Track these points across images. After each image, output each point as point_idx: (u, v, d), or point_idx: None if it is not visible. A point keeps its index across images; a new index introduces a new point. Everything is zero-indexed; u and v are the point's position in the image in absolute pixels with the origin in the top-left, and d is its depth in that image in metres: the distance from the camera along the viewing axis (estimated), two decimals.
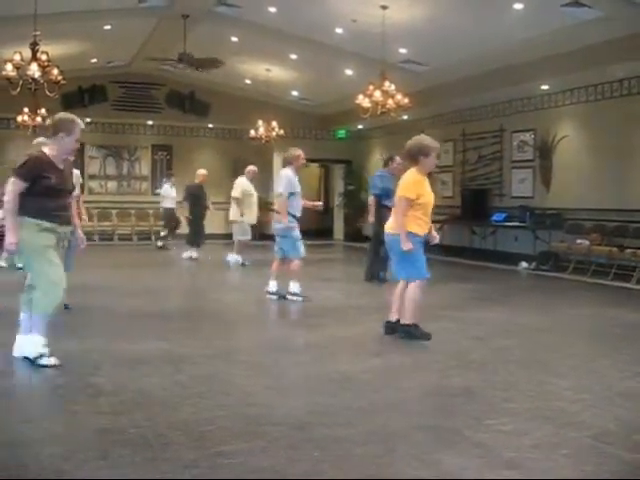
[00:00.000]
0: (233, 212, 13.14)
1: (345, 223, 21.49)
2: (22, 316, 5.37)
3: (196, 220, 14.39)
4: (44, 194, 5.11)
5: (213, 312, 8.19)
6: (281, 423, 3.98)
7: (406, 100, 11.96)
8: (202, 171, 14.68)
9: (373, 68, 12.41)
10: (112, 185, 19.91)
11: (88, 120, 18.85)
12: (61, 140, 5.26)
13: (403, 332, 6.42)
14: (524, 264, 13.04)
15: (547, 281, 11.67)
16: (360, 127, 19.75)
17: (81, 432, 3.80)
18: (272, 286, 8.99)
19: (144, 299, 8.79)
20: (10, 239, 5.04)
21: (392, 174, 10.16)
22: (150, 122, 19.75)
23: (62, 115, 5.44)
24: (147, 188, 20.35)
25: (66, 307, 6.96)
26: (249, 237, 13.35)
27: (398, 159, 10.15)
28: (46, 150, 5.27)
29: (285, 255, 8.93)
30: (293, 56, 15.18)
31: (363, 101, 11.88)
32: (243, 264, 13.13)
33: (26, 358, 5.18)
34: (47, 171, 5.14)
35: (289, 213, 8.73)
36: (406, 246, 6.19)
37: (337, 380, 5.01)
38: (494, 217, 14.11)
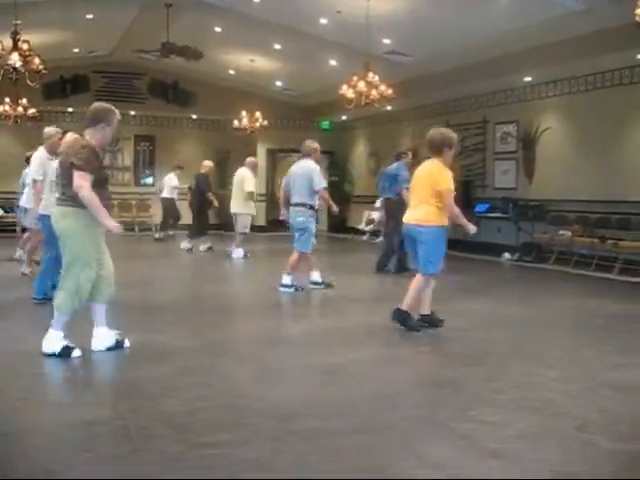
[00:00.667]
0: (242, 205, 13.03)
1: (328, 214, 21.46)
2: (94, 308, 5.37)
3: (202, 211, 14.43)
4: (101, 185, 5.21)
5: (208, 303, 8.12)
6: (267, 415, 3.98)
7: (390, 91, 11.96)
8: (208, 162, 14.79)
9: (357, 59, 12.39)
10: None
11: (70, 110, 18.80)
12: (102, 130, 5.26)
13: (399, 319, 6.43)
14: (507, 255, 13.10)
15: (530, 272, 11.73)
16: (344, 118, 19.73)
17: (66, 424, 3.79)
18: (313, 276, 9.01)
19: (137, 291, 8.66)
20: (113, 222, 5.13)
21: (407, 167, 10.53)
22: (133, 112, 19.58)
23: (102, 105, 5.38)
24: (130, 179, 20.23)
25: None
26: (248, 230, 13.40)
27: (410, 153, 10.87)
28: (88, 138, 5.24)
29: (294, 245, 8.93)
30: (277, 46, 15.11)
31: (347, 92, 11.87)
32: (245, 255, 13.12)
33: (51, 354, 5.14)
34: (101, 161, 5.27)
35: (312, 207, 8.83)
36: (472, 228, 6.40)
37: (324, 372, 5.02)
38: (477, 208, 14.14)
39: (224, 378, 4.83)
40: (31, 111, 15.35)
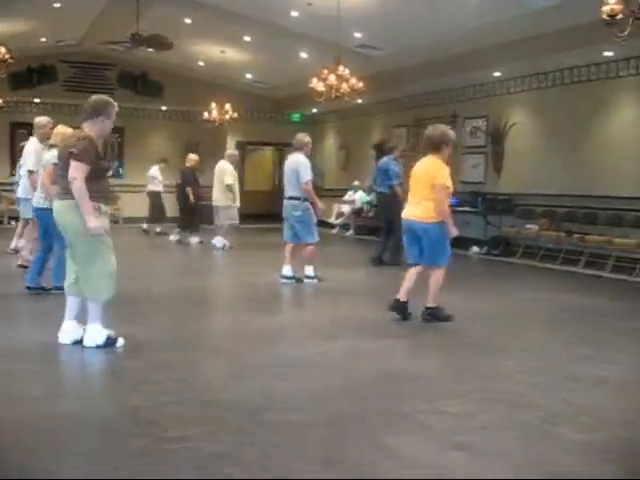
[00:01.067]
0: (223, 198, 13.17)
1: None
2: (70, 301, 5.38)
3: (189, 204, 14.45)
4: (100, 176, 5.21)
5: (183, 297, 8.06)
6: (233, 408, 3.97)
7: (360, 84, 11.98)
8: (193, 156, 14.88)
9: (328, 52, 12.38)
10: None
11: (37, 101, 18.56)
12: (101, 123, 5.28)
13: (430, 315, 6.56)
14: (475, 249, 13.21)
15: (497, 265, 11.84)
16: (314, 111, 19.70)
17: (31, 419, 3.74)
18: (286, 270, 9.05)
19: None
20: (95, 222, 5.03)
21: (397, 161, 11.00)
22: None
23: (101, 98, 5.39)
24: None
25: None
26: (237, 221, 13.52)
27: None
28: (87, 131, 5.25)
29: (299, 240, 9.02)
30: (247, 38, 15.04)
31: (317, 85, 11.86)
32: (231, 247, 13.22)
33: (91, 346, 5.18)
34: (100, 153, 5.22)
35: (307, 199, 8.94)
36: (454, 231, 6.47)
37: (290, 364, 5.02)
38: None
39: (191, 372, 4.80)
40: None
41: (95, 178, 5.10)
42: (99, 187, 5.15)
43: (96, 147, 5.17)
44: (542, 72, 12.67)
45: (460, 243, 13.48)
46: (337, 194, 18.75)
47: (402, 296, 6.64)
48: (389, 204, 11.00)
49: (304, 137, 9.24)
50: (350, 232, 17.61)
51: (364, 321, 6.70)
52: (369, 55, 14.12)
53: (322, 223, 19.27)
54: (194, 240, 14.28)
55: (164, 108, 20.20)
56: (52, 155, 7.01)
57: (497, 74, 13.26)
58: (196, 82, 18.58)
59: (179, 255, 13.36)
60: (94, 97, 5.40)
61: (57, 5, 13.28)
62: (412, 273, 6.70)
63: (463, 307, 7.62)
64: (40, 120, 8.27)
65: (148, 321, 6.47)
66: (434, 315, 6.57)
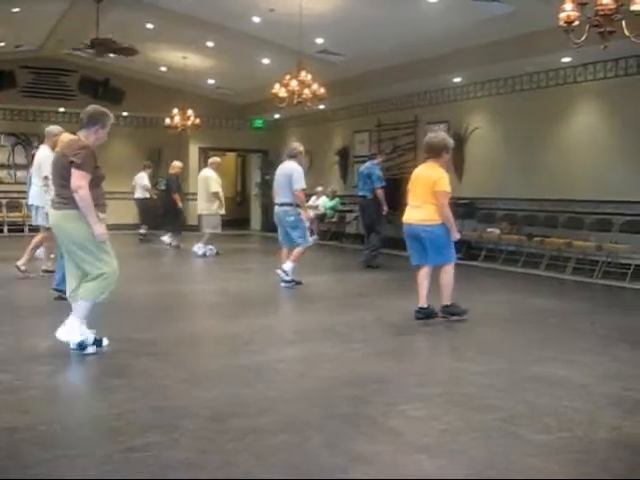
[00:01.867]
0: (208, 205, 13.24)
1: (262, 213, 21.44)
2: (74, 308, 5.41)
3: (172, 210, 14.83)
4: (97, 185, 5.28)
5: (149, 302, 8.01)
6: (195, 415, 3.95)
7: (322, 90, 12.01)
8: (177, 163, 15.31)
9: (290, 57, 12.40)
10: (22, 174, 19.15)
11: None
12: (96, 132, 5.36)
13: (448, 312, 6.81)
14: None
15: (460, 269, 11.76)
16: (277, 117, 19.72)
17: None
18: (286, 275, 9.22)
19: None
20: (101, 229, 5.17)
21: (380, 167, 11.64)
22: (62, 109, 19.12)
23: (98, 108, 5.48)
24: None
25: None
26: (219, 230, 13.51)
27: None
28: (82, 138, 5.34)
29: (292, 244, 9.34)
30: (210, 44, 14.98)
31: (279, 90, 11.87)
32: (218, 253, 13.20)
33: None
34: (96, 161, 5.28)
35: (299, 205, 9.28)
36: (457, 236, 6.82)
37: (252, 370, 5.01)
38: None
39: (153, 379, 4.76)
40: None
41: (93, 186, 5.18)
42: (96, 195, 5.22)
43: (94, 156, 5.26)
44: (502, 78, 12.84)
45: None
46: None
47: (422, 303, 6.83)
48: (371, 207, 11.50)
49: (298, 146, 9.55)
50: (314, 237, 17.59)
51: (327, 326, 6.71)
52: (331, 61, 14.17)
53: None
54: (167, 240, 14.55)
55: (125, 114, 20.00)
56: None
57: (457, 80, 13.40)
58: (158, 88, 18.47)
59: (156, 261, 13.25)
60: (92, 106, 5.51)
61: (16, 10, 13.09)
62: (422, 276, 6.90)
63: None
64: (52, 129, 8.58)
65: (112, 326, 6.38)
66: (452, 312, 6.82)
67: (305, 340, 6.12)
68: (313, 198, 17.98)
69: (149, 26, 14.23)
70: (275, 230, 19.28)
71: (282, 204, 9.33)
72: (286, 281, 9.11)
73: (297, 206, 9.26)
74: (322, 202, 17.54)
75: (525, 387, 4.64)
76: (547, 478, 3.21)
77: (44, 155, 8.49)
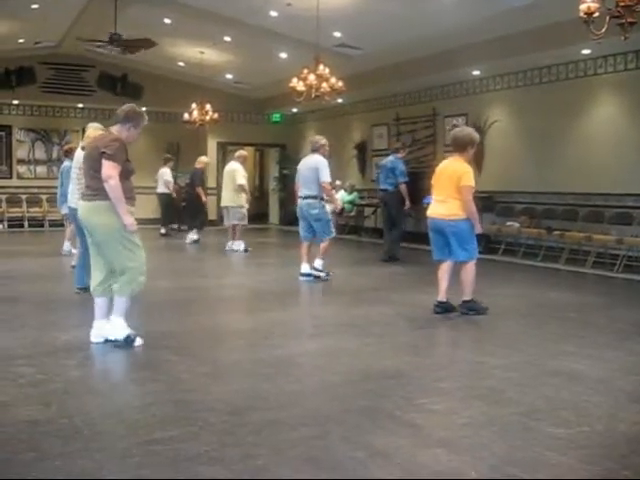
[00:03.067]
0: (235, 198, 13.20)
1: (280, 207, 21.47)
2: (98, 302, 5.54)
3: (196, 205, 14.77)
4: (127, 177, 5.37)
5: (164, 296, 8.01)
6: (215, 409, 3.97)
7: (340, 84, 11.98)
8: (204, 158, 15.41)
9: (308, 51, 12.38)
10: (41, 170, 19.35)
11: (16, 102, 18.44)
12: (128, 130, 5.49)
13: (467, 308, 6.80)
14: None
15: (479, 263, 11.72)
16: (295, 111, 19.72)
17: (10, 423, 3.72)
18: (305, 268, 9.32)
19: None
20: (131, 219, 5.25)
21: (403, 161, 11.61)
22: (81, 105, 19.25)
23: (134, 108, 5.62)
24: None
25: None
26: (246, 222, 13.55)
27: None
28: (116, 134, 5.44)
29: (315, 237, 9.40)
30: (227, 39, 15.00)
31: (297, 84, 11.86)
32: (246, 250, 13.06)
33: (111, 340, 5.40)
34: (127, 155, 5.39)
35: (322, 198, 9.29)
36: (479, 229, 6.84)
37: (271, 364, 5.02)
38: (427, 200, 14.26)
39: (173, 373, 4.79)
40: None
41: (123, 179, 5.26)
42: (125, 187, 5.29)
43: (126, 149, 5.37)
44: (521, 70, 12.75)
45: None
46: None
47: (442, 297, 6.86)
48: (393, 201, 11.48)
49: (321, 139, 9.52)
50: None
51: (345, 320, 6.72)
52: (349, 54, 14.14)
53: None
54: (194, 237, 14.45)
55: (144, 109, 20.01)
56: (81, 155, 7.21)
57: (476, 72, 13.33)
58: (176, 83, 18.53)
59: (175, 255, 13.31)
60: (128, 106, 5.63)
61: (35, 6, 13.18)
62: (443, 271, 6.93)
63: None
64: (93, 126, 8.37)
65: (132, 320, 6.43)
66: (471, 308, 6.81)
67: (324, 334, 6.13)
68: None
69: (167, 21, 14.28)
70: (293, 224, 19.42)
71: (306, 197, 9.30)
72: (317, 273, 9.25)
73: (321, 199, 9.26)
74: (340, 196, 17.51)
75: (544, 381, 4.62)
76: (567, 473, 3.20)
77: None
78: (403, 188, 11.31)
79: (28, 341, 5.56)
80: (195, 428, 3.65)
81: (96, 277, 5.52)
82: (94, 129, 7.66)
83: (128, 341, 5.35)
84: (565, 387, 4.49)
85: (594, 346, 5.68)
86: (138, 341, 5.40)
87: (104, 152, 5.18)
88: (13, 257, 11.78)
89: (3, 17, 13.68)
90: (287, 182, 20.71)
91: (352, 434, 3.60)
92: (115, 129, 5.49)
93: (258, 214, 21.59)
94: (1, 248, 13.47)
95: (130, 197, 5.37)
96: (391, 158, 11.63)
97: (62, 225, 17.18)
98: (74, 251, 10.62)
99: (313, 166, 9.21)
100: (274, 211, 21.91)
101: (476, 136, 7.04)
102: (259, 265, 11.68)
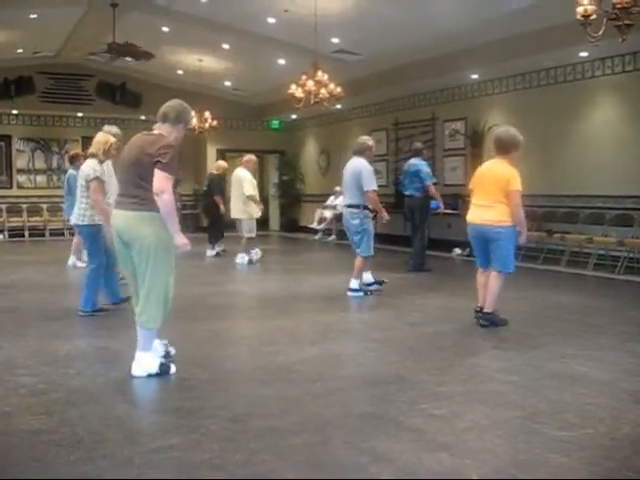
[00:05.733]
0: (244, 209, 12.01)
1: (280, 213, 21.49)
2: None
3: (213, 213, 13.59)
4: (175, 187, 4.74)
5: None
6: (216, 415, 3.97)
7: (339, 89, 12.01)
8: (222, 163, 14.21)
9: (306, 58, 12.41)
10: (41, 179, 19.39)
11: (15, 112, 18.47)
12: (179, 130, 4.91)
13: (487, 320, 6.51)
14: (457, 250, 13.25)
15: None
16: (294, 117, 19.76)
17: (12, 433, 3.72)
18: (366, 278, 8.75)
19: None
20: (184, 239, 4.70)
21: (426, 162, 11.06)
22: (80, 114, 19.29)
23: (183, 104, 4.97)
24: None
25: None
26: (254, 234, 12.31)
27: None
28: (166, 136, 4.81)
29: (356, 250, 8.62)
30: (225, 46, 15.05)
31: (296, 91, 11.88)
32: (251, 262, 12.18)
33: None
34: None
35: (367, 207, 8.46)
36: (524, 239, 6.47)
37: (273, 370, 5.02)
38: (434, 205, 14.23)
39: (174, 380, 4.79)
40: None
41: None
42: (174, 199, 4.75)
43: (178, 157, 4.74)
44: (519, 73, 12.78)
45: (442, 245, 13.60)
46: (318, 199, 18.80)
47: (488, 307, 6.56)
48: (421, 207, 10.95)
49: (367, 140, 8.68)
50: (332, 237, 17.62)
51: (347, 326, 6.72)
52: (347, 60, 14.18)
53: (304, 229, 19.40)
54: (213, 252, 13.42)
55: (143, 117, 20.11)
56: (90, 168, 6.88)
57: (475, 76, 13.35)
58: (175, 91, 18.38)
59: (177, 262, 13.20)
60: (177, 101, 4.97)
61: (33, 16, 13.22)
62: (483, 278, 6.68)
63: (444, 308, 7.69)
64: (108, 130, 7.84)
65: (133, 327, 6.43)
66: (491, 320, 6.51)
67: (325, 340, 6.12)
68: (331, 198, 18.00)
69: (165, 29, 14.32)
70: (294, 230, 19.41)
71: (349, 206, 8.51)
72: (354, 294, 8.47)
73: (365, 209, 8.43)
74: (340, 202, 17.51)
75: (547, 384, 4.61)
76: (570, 475, 3.19)
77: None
78: (432, 190, 10.77)
79: (29, 351, 5.56)
80: (197, 435, 3.64)
81: (137, 302, 4.85)
82: (105, 134, 7.28)
83: (164, 369, 4.85)
84: (568, 389, 4.48)
85: (597, 348, 5.67)
86: (173, 368, 4.90)
87: (159, 161, 4.56)
88: (14, 267, 11.77)
89: (2, 27, 13.73)
90: (286, 188, 20.76)
91: (354, 439, 3.60)
92: (164, 129, 4.84)
93: (258, 221, 21.59)
94: (2, 258, 13.47)
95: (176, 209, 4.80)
96: (413, 161, 10.98)
97: (63, 234, 17.30)
98: (79, 264, 10.63)
99: (356, 172, 8.38)
100: (274, 217, 21.93)
101: (521, 138, 6.55)
102: (259, 272, 11.67)
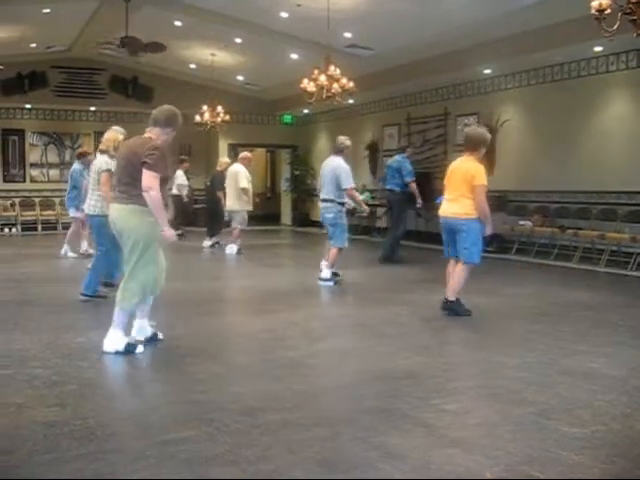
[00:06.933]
0: (238, 201, 12.76)
1: (292, 208, 21.49)
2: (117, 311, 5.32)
3: (215, 208, 14.17)
4: (162, 186, 5.18)
5: (176, 298, 7.99)
6: (228, 409, 3.98)
7: (351, 84, 11.97)
8: (225, 159, 14.89)
9: (318, 52, 12.38)
10: (54, 173, 19.46)
11: (28, 107, 18.54)
12: (168, 134, 5.34)
13: (449, 309, 6.78)
14: None
15: (492, 262, 11.82)
16: (306, 112, 19.73)
17: (25, 425, 3.74)
18: (327, 273, 9.10)
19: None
20: (171, 231, 5.22)
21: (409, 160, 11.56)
22: (92, 108, 19.36)
23: (174, 110, 5.43)
24: None
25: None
26: (245, 225, 13.10)
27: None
28: (154, 138, 5.26)
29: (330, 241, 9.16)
30: (238, 40, 15.03)
31: (308, 85, 11.85)
32: (239, 251, 12.80)
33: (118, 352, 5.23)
34: (166, 163, 5.23)
35: (341, 203, 9.04)
36: (490, 230, 6.77)
37: (284, 365, 5.03)
38: (438, 200, 14.22)
39: (186, 374, 4.81)
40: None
41: (160, 186, 5.16)
42: (162, 195, 5.20)
43: (165, 157, 5.21)
44: (532, 68, 12.70)
45: None
46: None
47: (450, 295, 6.84)
48: (400, 201, 11.44)
49: (345, 140, 9.30)
50: None
51: (357, 321, 6.72)
52: (359, 55, 14.13)
53: (316, 224, 19.39)
54: (207, 243, 14.13)
55: (154, 112, 20.13)
56: (103, 161, 7.40)
57: (487, 71, 13.29)
58: (187, 85, 18.57)
59: (186, 257, 13.18)
60: (167, 107, 5.45)
61: (46, 11, 13.25)
62: (452, 269, 6.94)
63: None
64: (115, 130, 8.27)
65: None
66: (453, 309, 6.77)
67: (336, 335, 6.14)
68: None
69: (177, 24, 14.32)
70: (306, 225, 19.42)
71: (323, 200, 9.14)
72: (324, 279, 9.00)
73: (340, 204, 9.02)
74: None
75: (558, 380, 4.60)
76: (582, 472, 3.18)
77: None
78: (413, 186, 11.26)
79: (43, 343, 5.59)
80: (209, 429, 3.65)
81: None
82: (114, 132, 7.67)
83: (130, 348, 5.25)
84: (580, 386, 4.47)
85: (609, 344, 5.65)
86: (139, 348, 5.30)
87: (145, 162, 5.03)
88: (27, 260, 11.84)
89: (16, 22, 13.76)
90: (298, 183, 20.76)
91: (365, 434, 3.60)
92: (154, 133, 5.30)
93: (270, 215, 21.64)
94: (15, 251, 13.55)
95: (164, 204, 5.26)
96: (397, 158, 11.58)
97: None
98: (91, 251, 10.73)
99: (334, 170, 8.99)
100: (286, 212, 21.93)
101: (488, 136, 7.01)
102: (271, 266, 11.68)
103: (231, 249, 12.82)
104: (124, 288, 5.23)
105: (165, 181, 5.30)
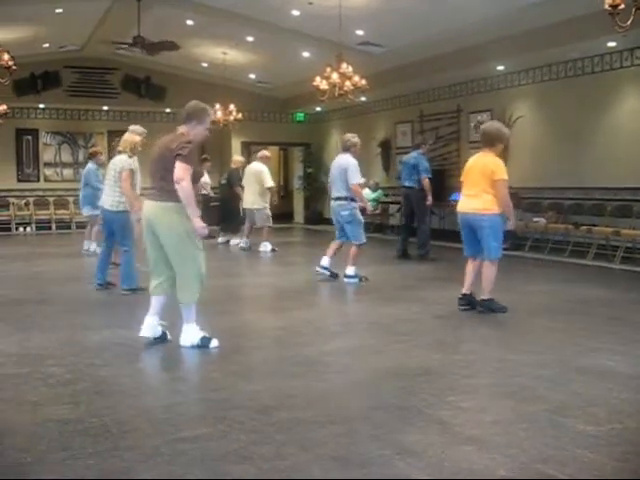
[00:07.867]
0: (259, 200, 12.98)
1: (305, 206, 21.49)
2: (157, 298, 5.53)
3: (232, 206, 14.28)
4: (195, 181, 5.33)
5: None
6: (243, 407, 3.98)
7: (363, 82, 11.96)
8: (239, 157, 15.24)
9: (330, 50, 12.38)
10: (68, 172, 19.56)
11: (42, 106, 18.65)
12: (194, 127, 5.40)
13: (484, 306, 6.76)
14: None
15: (505, 259, 11.65)
16: (318, 110, 19.73)
17: (41, 422, 3.76)
18: (325, 262, 9.18)
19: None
20: (202, 224, 5.27)
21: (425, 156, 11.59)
22: (105, 107, 19.44)
23: (195, 104, 5.51)
24: (104, 174, 20.03)
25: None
26: (271, 222, 13.30)
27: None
28: (185, 134, 5.36)
29: (347, 240, 9.17)
30: (250, 39, 15.05)
31: (320, 83, 11.85)
32: (273, 250, 12.94)
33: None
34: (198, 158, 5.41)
35: (354, 199, 9.06)
36: (511, 225, 6.88)
37: (299, 362, 5.02)
38: (452, 197, 14.20)
39: (201, 372, 4.82)
40: (2, 107, 15.28)
41: (192, 181, 5.24)
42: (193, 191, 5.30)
43: (196, 152, 5.38)
44: (546, 64, 12.65)
45: None
46: None
47: (467, 289, 6.90)
48: (417, 198, 11.40)
49: (352, 137, 9.27)
50: None
51: (372, 318, 6.71)
52: (372, 52, 14.12)
53: (329, 221, 19.36)
54: (235, 242, 14.08)
55: (168, 110, 20.19)
56: (123, 160, 7.70)
57: (500, 67, 13.24)
58: (199, 84, 18.58)
59: (213, 255, 13.26)
60: (192, 103, 5.53)
61: (59, 11, 13.31)
62: (472, 266, 6.94)
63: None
64: (133, 129, 8.44)
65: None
66: (489, 307, 6.74)
67: (351, 332, 6.13)
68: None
69: (189, 22, 14.35)
70: (318, 223, 19.40)
71: (337, 198, 9.11)
72: (350, 276, 8.98)
73: (352, 200, 9.01)
74: (365, 194, 17.48)
75: (574, 378, 4.57)
76: (597, 470, 3.16)
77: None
78: (427, 183, 11.23)
79: (58, 342, 5.62)
80: (224, 426, 3.66)
81: (156, 278, 5.48)
82: (131, 134, 7.87)
83: (204, 342, 5.37)
84: (595, 384, 4.44)
85: (625, 342, 5.61)
86: (214, 342, 5.40)
87: (179, 154, 5.10)
88: (42, 259, 11.91)
89: (29, 22, 13.82)
90: (311, 181, 20.76)
91: (381, 432, 3.59)
92: (184, 129, 5.41)
93: (283, 213, 21.63)
94: (30, 250, 13.64)
95: (196, 201, 5.36)
96: (414, 154, 11.54)
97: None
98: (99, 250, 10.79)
99: (342, 167, 9.01)
100: (299, 210, 21.93)
101: (505, 131, 6.99)
102: (285, 264, 11.70)
103: (265, 247, 12.91)
104: (180, 284, 5.34)
105: (196, 178, 5.38)
